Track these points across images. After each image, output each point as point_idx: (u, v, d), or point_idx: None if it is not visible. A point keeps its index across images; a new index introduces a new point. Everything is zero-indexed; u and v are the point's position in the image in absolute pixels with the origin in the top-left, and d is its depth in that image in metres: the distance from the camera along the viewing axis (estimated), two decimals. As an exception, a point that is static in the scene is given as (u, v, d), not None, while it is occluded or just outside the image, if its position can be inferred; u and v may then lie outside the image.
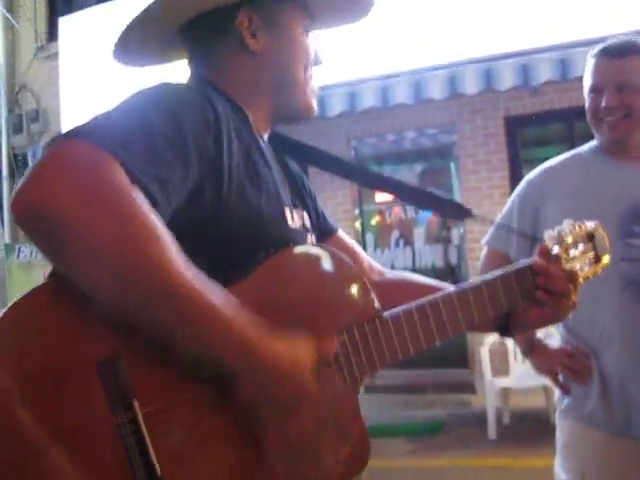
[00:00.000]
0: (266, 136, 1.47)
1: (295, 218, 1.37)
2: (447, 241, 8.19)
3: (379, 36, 6.53)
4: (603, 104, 2.22)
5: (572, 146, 2.47)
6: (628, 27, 4.96)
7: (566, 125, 7.36)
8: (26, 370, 1.02)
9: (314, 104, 1.48)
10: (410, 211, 8.37)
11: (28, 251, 9.21)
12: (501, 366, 6.79)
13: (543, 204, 2.34)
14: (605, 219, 2.22)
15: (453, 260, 8.15)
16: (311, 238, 1.46)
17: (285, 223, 1.33)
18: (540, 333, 2.33)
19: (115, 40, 1.48)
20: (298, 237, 1.35)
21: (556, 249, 1.54)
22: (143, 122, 1.14)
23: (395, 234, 8.42)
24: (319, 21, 1.51)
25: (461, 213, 1.70)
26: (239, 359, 1.08)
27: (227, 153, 1.22)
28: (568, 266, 1.53)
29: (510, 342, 6.39)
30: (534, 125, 7.73)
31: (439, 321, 1.36)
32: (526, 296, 1.47)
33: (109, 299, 1.03)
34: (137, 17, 1.42)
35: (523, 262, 1.51)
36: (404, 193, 1.70)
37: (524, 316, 1.52)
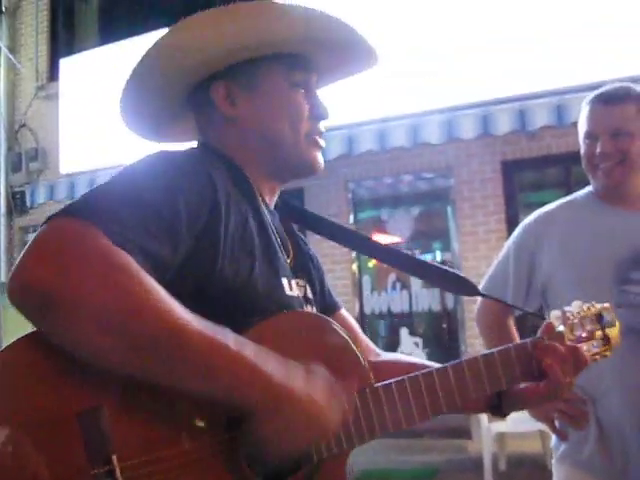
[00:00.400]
0: (273, 200, 1.47)
1: (294, 287, 1.35)
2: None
3: (376, 80, 6.58)
4: (598, 150, 2.23)
5: (569, 190, 2.48)
6: (624, 73, 5.01)
7: (563, 169, 7.39)
8: (7, 419, 1.03)
9: (313, 158, 1.43)
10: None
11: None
12: (497, 411, 6.74)
13: (539, 250, 2.34)
14: (601, 265, 2.23)
15: (449, 304, 8.13)
16: (311, 309, 1.44)
17: (282, 291, 1.31)
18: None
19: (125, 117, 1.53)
20: (295, 305, 1.33)
21: (561, 328, 1.52)
22: (135, 194, 1.14)
23: (392, 277, 8.40)
24: (327, 74, 1.50)
25: (466, 289, 1.63)
26: (263, 396, 1.08)
27: (223, 224, 1.21)
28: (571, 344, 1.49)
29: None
30: (531, 169, 7.76)
31: (432, 394, 1.33)
32: (525, 372, 1.43)
33: (116, 363, 1.03)
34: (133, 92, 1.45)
35: (526, 341, 1.48)
36: (406, 265, 1.67)
37: (519, 392, 1.48)
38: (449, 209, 8.14)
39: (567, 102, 6.09)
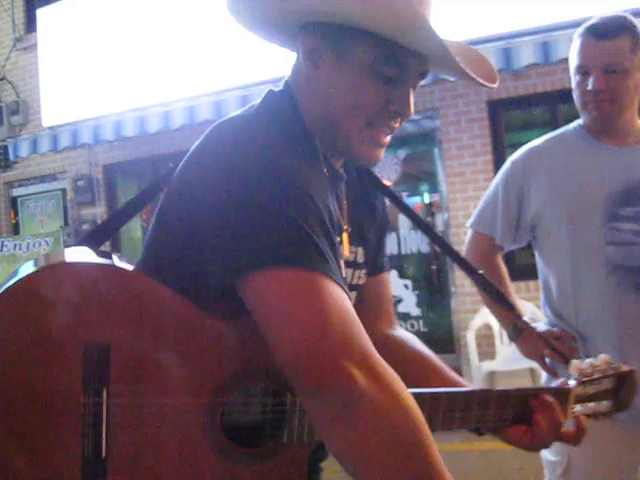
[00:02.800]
0: (340, 161, 1.41)
1: (342, 270, 1.32)
2: (432, 227, 8.20)
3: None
4: (589, 87, 2.18)
5: (555, 129, 2.44)
6: (612, 8, 4.96)
7: (549, 108, 7.36)
8: (23, 333, 1.12)
9: (370, 153, 1.33)
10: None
11: (11, 244, 9.17)
12: (487, 350, 6.81)
13: (527, 184, 2.33)
14: (590, 202, 2.22)
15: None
16: (359, 273, 1.46)
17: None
18: (526, 317, 2.32)
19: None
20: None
21: (573, 383, 1.48)
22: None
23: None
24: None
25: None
26: None
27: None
28: (578, 406, 1.48)
29: (496, 326, 6.40)
30: (517, 109, 7.73)
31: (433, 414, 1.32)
32: (517, 420, 1.42)
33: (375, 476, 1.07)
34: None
35: (533, 389, 1.46)
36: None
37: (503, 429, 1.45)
38: (436, 151, 8.11)
39: (553, 39, 6.04)
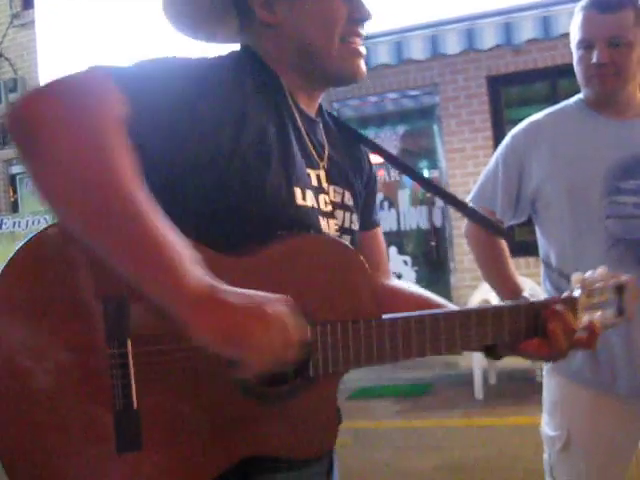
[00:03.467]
0: (314, 106, 1.47)
1: (308, 197, 1.34)
2: (431, 203, 8.19)
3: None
4: (593, 60, 2.16)
5: (555, 105, 2.44)
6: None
7: (549, 84, 7.34)
8: (40, 291, 1.12)
9: (350, 65, 1.38)
10: (394, 174, 8.35)
11: (10, 222, 9.17)
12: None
13: (528, 158, 2.32)
14: (591, 175, 2.22)
15: (437, 222, 8.16)
16: (350, 217, 1.48)
17: (291, 200, 1.30)
18: (526, 292, 2.33)
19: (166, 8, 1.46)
20: (305, 215, 1.32)
21: (577, 293, 1.51)
22: (167, 75, 1.21)
23: (379, 196, 8.41)
24: None
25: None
26: (190, 302, 1.02)
27: (242, 132, 1.23)
28: (586, 314, 1.50)
29: (496, 302, 6.40)
30: (517, 84, 7.70)
31: (435, 334, 1.34)
32: (529, 330, 1.44)
33: (60, 208, 1.06)
34: None
35: (539, 300, 1.50)
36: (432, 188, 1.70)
37: (519, 343, 1.46)
38: (435, 126, 8.09)
39: (553, 14, 6.01)
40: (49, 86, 1.09)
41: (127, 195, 1.03)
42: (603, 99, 2.26)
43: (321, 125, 1.49)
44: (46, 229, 1.14)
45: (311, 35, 1.35)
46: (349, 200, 1.49)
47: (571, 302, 1.48)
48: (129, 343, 1.13)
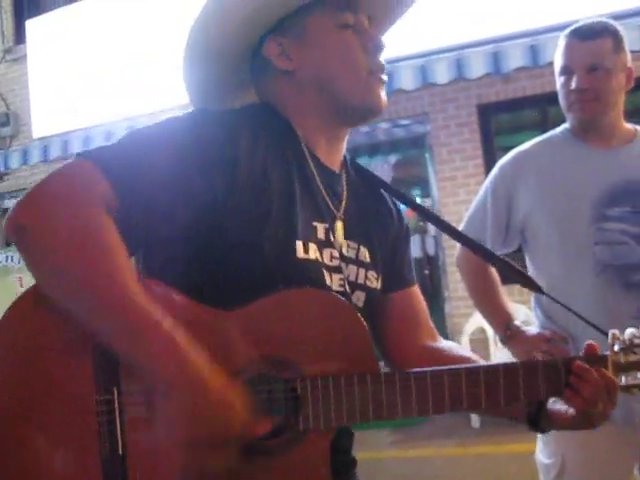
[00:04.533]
0: (336, 156, 1.45)
1: (311, 250, 1.31)
2: (424, 232, 8.20)
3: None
4: (572, 86, 2.21)
5: (545, 132, 2.47)
6: (598, 11, 4.98)
7: (539, 111, 7.38)
8: (32, 340, 1.18)
9: (377, 96, 1.38)
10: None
11: (3, 257, 9.14)
12: (482, 353, 6.81)
13: (516, 189, 2.34)
14: (578, 203, 2.24)
15: (430, 250, 8.16)
16: (365, 273, 1.44)
17: (291, 254, 1.28)
18: (517, 321, 2.34)
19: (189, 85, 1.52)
20: (304, 268, 1.30)
21: (615, 347, 1.36)
22: (150, 151, 1.22)
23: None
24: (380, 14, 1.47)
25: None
26: (175, 376, 1.12)
27: (241, 183, 1.24)
28: (616, 375, 1.34)
29: (490, 330, 6.40)
30: (507, 112, 7.75)
31: (439, 394, 1.28)
32: (553, 393, 1.33)
33: (62, 302, 1.16)
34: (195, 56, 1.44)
35: (564, 358, 1.35)
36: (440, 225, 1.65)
37: (552, 413, 1.38)
38: (427, 155, 8.12)
39: (541, 42, 6.06)
40: (36, 191, 1.17)
41: (119, 290, 1.12)
42: (585, 126, 2.29)
43: (344, 178, 1.46)
44: (34, 285, 1.20)
45: (333, 71, 1.36)
46: (365, 256, 1.45)
47: (599, 360, 1.34)
48: (115, 391, 1.16)
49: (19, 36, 10.13)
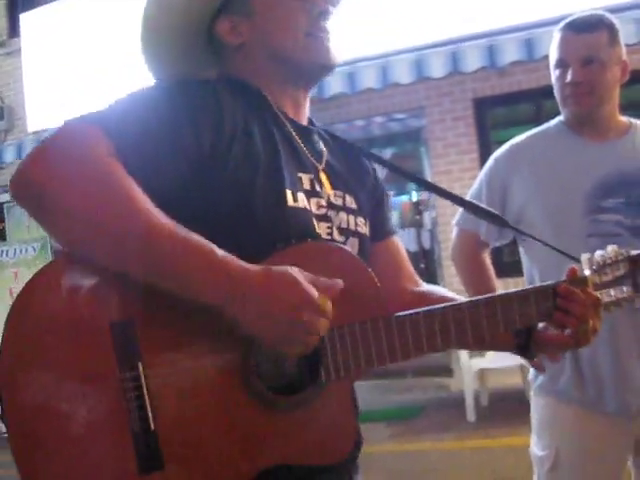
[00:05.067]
0: (302, 113, 1.53)
1: (300, 199, 1.37)
2: (419, 225, 8.21)
3: (344, 22, 6.51)
4: (568, 79, 2.21)
5: (540, 125, 2.46)
6: (594, 4, 4.98)
7: (534, 105, 7.39)
8: (48, 325, 1.16)
9: (320, 52, 1.46)
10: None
11: (-2, 251, 9.14)
12: (477, 347, 6.82)
13: (511, 181, 2.34)
14: (572, 195, 2.24)
15: (426, 244, 8.17)
16: (355, 219, 1.51)
17: (283, 203, 1.33)
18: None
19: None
20: (296, 216, 1.35)
21: (587, 272, 1.49)
22: (143, 111, 1.25)
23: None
24: None
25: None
26: (229, 291, 1.13)
27: (228, 143, 1.29)
28: (596, 293, 1.47)
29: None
30: (502, 106, 7.76)
31: (445, 328, 1.35)
32: (543, 316, 1.44)
33: (88, 249, 1.16)
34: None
35: (548, 283, 1.46)
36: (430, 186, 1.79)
37: (544, 337, 1.49)
38: (422, 149, 8.14)
39: (536, 36, 6.06)
40: (40, 149, 1.17)
41: (149, 216, 1.13)
42: (580, 119, 2.29)
43: (316, 134, 1.54)
44: (50, 263, 1.20)
45: (277, 40, 1.44)
46: (351, 203, 1.52)
47: (581, 281, 1.47)
48: (140, 366, 1.15)
49: (13, 30, 10.10)
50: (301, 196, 1.38)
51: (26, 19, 9.47)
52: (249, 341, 1.19)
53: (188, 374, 1.19)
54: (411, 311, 1.35)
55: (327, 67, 1.49)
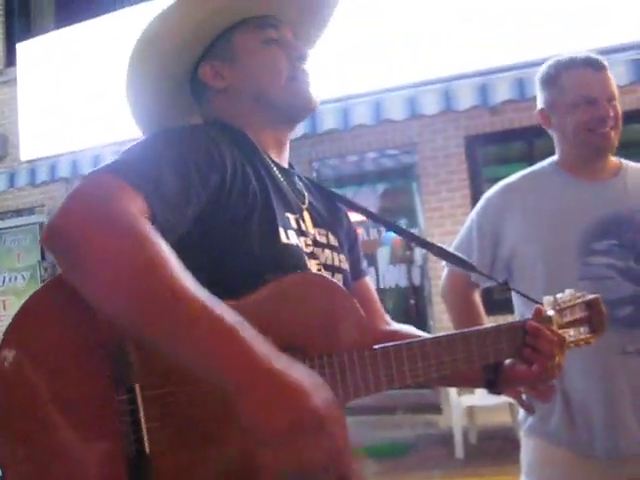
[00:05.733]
0: (283, 155, 1.59)
1: (292, 236, 1.41)
2: (410, 261, 8.21)
3: (337, 58, 6.56)
4: (599, 114, 2.21)
5: (532, 164, 2.46)
6: (585, 47, 5.04)
7: (525, 143, 7.44)
8: (43, 348, 1.13)
9: (301, 96, 1.53)
10: (373, 232, 8.38)
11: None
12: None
13: (502, 221, 2.34)
14: (565, 238, 2.24)
15: (416, 280, 8.17)
16: (338, 257, 1.56)
17: (277, 239, 1.36)
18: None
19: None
20: (290, 252, 1.38)
21: (551, 312, 1.63)
22: (157, 158, 1.25)
23: (359, 255, 8.40)
24: (301, 29, 1.64)
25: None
26: (242, 372, 1.00)
27: (229, 183, 1.32)
28: (560, 331, 1.62)
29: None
30: (494, 144, 7.81)
31: (425, 360, 1.41)
32: (514, 352, 1.57)
33: (111, 310, 1.10)
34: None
35: (518, 320, 1.62)
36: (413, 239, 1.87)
37: (512, 372, 1.61)
38: (414, 185, 8.16)
39: (528, 76, 6.09)
40: (69, 204, 1.13)
41: (175, 279, 1.06)
42: (602, 153, 2.29)
43: (296, 176, 1.59)
44: (45, 286, 1.17)
45: (259, 83, 1.50)
46: (334, 241, 1.58)
47: (546, 320, 1.61)
48: (137, 388, 1.13)
49: (10, 59, 10.15)
50: (292, 234, 1.41)
51: (23, 48, 9.51)
52: None
53: (184, 397, 1.16)
54: (394, 344, 1.38)
55: (309, 109, 1.55)
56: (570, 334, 1.67)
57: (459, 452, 6.20)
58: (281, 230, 1.38)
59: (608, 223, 2.21)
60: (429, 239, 1.84)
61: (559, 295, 1.68)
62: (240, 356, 1.01)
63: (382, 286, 8.17)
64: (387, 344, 1.37)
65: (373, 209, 1.77)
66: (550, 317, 1.62)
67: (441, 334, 1.49)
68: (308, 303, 1.30)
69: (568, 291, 1.70)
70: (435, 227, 7.69)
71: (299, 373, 1.02)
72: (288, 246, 1.38)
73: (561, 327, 1.64)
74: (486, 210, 2.40)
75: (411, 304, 8.16)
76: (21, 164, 9.21)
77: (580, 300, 1.72)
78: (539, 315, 1.62)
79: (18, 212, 10.26)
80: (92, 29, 8.75)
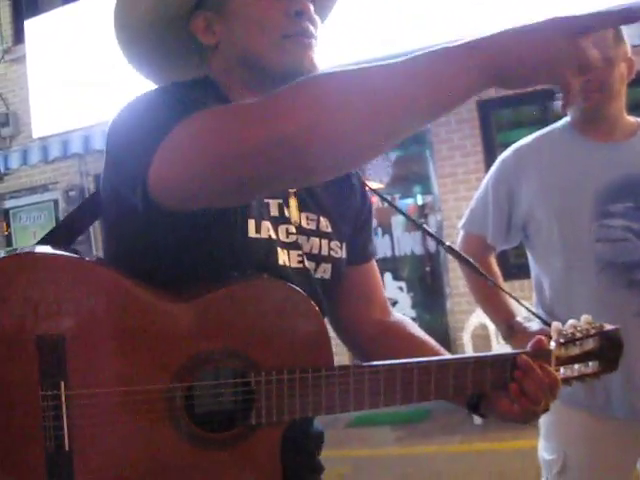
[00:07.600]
0: None
1: (264, 229, 1.31)
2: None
3: (346, 22, 6.51)
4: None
5: (545, 127, 2.45)
6: (598, 4, 4.97)
7: (539, 107, 7.38)
8: None
9: (298, 57, 1.33)
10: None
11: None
12: (484, 350, 6.80)
13: (517, 183, 2.33)
14: (580, 199, 2.23)
15: (431, 247, 8.16)
16: (329, 243, 1.45)
17: (242, 233, 1.27)
18: (520, 317, 2.33)
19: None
20: (254, 247, 1.29)
21: (553, 344, 1.43)
22: (138, 127, 1.18)
23: (373, 223, 8.39)
24: None
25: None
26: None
27: None
28: (558, 368, 1.42)
29: (492, 326, 6.39)
30: (507, 108, 7.74)
31: (389, 385, 1.30)
32: (497, 386, 1.37)
33: (389, 124, 1.14)
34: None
35: (509, 352, 1.41)
36: None
37: (495, 403, 1.41)
38: (427, 152, 8.12)
39: (540, 38, 6.05)
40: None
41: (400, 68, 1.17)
42: (589, 116, 2.28)
43: None
44: None
45: (249, 40, 1.33)
46: (326, 226, 1.46)
47: (544, 355, 1.40)
48: (62, 385, 1.10)
49: (18, 36, 10.13)
50: (266, 225, 1.32)
51: (31, 25, 9.49)
52: (183, 369, 1.15)
53: (113, 398, 1.14)
54: (357, 364, 1.31)
55: (297, 72, 1.31)
56: (574, 368, 1.46)
57: (477, 417, 6.20)
58: (251, 222, 1.29)
59: (623, 185, 2.20)
60: (443, 205, 1.82)
61: (571, 322, 1.48)
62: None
63: (397, 254, 8.16)
64: (349, 365, 1.28)
65: (387, 176, 1.70)
66: (549, 352, 1.41)
67: (414, 360, 1.34)
68: (266, 311, 1.22)
69: (584, 317, 1.50)
70: (449, 193, 7.66)
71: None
72: (255, 240, 1.29)
73: (563, 362, 1.45)
74: (501, 172, 2.39)
75: (426, 271, 8.15)
76: (33, 141, 9.23)
77: (596, 331, 1.48)
78: (538, 348, 1.41)
79: (32, 190, 10.29)
80: (99, 3, 8.70)
